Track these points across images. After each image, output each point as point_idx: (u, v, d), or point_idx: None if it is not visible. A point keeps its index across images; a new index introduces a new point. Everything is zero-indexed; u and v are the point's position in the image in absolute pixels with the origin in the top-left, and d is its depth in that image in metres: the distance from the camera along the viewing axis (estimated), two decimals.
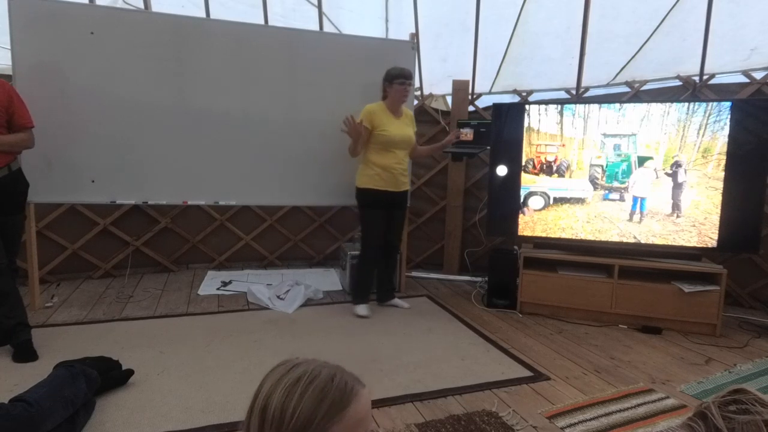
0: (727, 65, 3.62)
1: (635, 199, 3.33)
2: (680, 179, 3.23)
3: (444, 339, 2.98)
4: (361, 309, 3.33)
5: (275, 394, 0.69)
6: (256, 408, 0.70)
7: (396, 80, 3.20)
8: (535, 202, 3.53)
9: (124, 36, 3.20)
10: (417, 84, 4.28)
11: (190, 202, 3.72)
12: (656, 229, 3.29)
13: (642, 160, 3.30)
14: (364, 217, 3.36)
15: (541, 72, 4.35)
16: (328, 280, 4.15)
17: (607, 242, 3.38)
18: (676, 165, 3.22)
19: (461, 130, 3.81)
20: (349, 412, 0.69)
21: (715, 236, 3.17)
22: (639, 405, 2.22)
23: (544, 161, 3.48)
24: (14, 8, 2.98)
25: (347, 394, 0.70)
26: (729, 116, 3.10)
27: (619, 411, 2.17)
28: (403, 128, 3.32)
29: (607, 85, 4.17)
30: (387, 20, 4.60)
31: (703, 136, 3.17)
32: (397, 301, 3.58)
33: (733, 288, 3.62)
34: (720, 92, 3.60)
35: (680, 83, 3.76)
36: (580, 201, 3.44)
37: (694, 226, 3.21)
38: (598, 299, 3.29)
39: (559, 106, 3.44)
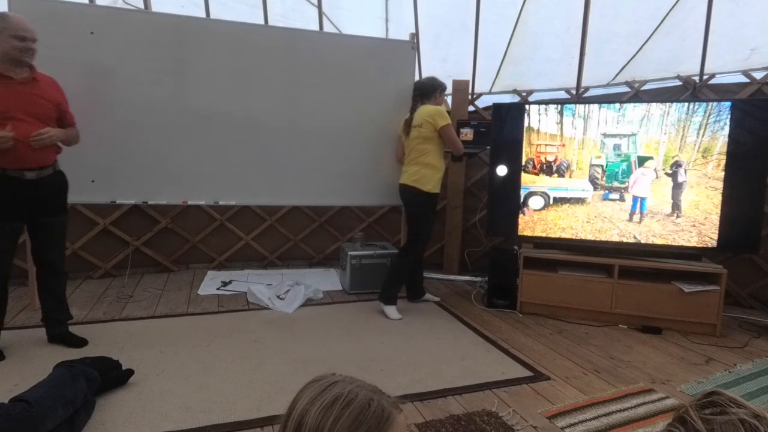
0: (727, 65, 3.62)
1: (635, 199, 3.33)
2: (680, 179, 3.23)
3: (444, 339, 2.98)
4: (395, 312, 3.33)
5: (310, 413, 0.67)
6: (291, 424, 0.69)
7: (444, 91, 3.45)
8: (535, 202, 3.53)
9: (124, 36, 3.20)
10: None
11: (190, 202, 3.72)
12: (656, 229, 3.28)
13: (642, 160, 3.30)
14: (428, 221, 3.39)
15: (541, 72, 4.35)
16: (328, 280, 4.15)
17: (607, 242, 3.39)
18: (676, 165, 3.22)
19: (461, 129, 3.81)
20: None
21: (715, 236, 3.17)
22: (639, 405, 2.22)
23: (544, 161, 3.48)
24: (14, 8, 2.97)
25: (383, 421, 0.68)
26: (729, 116, 3.10)
27: (619, 411, 2.17)
28: None
29: (607, 85, 4.17)
30: (387, 20, 4.60)
31: (703, 136, 3.17)
32: (428, 296, 3.71)
33: (733, 288, 3.62)
34: (720, 92, 3.60)
35: (680, 83, 3.76)
36: (580, 201, 3.44)
37: (694, 226, 3.21)
38: (598, 299, 3.29)
39: (559, 106, 3.44)
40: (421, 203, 3.34)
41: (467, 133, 3.82)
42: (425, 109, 3.29)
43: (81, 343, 2.72)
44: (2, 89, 2.34)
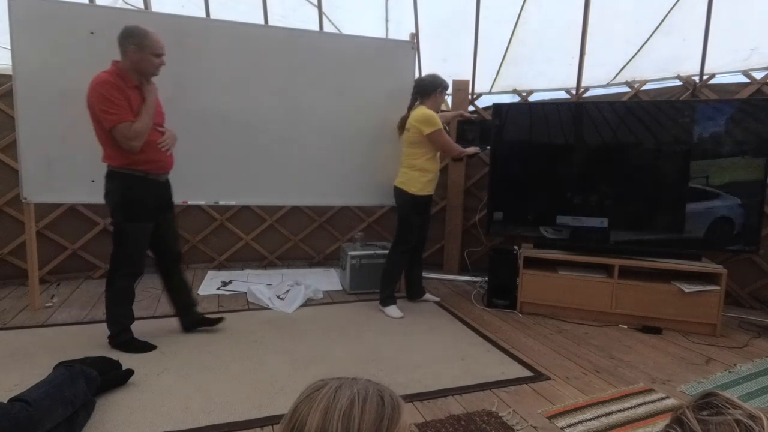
0: (727, 65, 3.62)
1: None
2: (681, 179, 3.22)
3: (444, 339, 2.98)
4: (395, 311, 3.36)
5: (332, 425, 0.66)
6: None
7: (445, 90, 3.39)
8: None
9: None
10: None
11: (190, 202, 3.72)
12: (656, 229, 3.28)
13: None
14: (411, 222, 3.38)
15: (541, 72, 4.35)
16: (328, 280, 4.15)
17: (607, 242, 3.38)
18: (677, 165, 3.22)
19: (466, 128, 3.80)
20: (401, 424, 0.70)
21: (716, 236, 3.17)
22: (639, 405, 2.22)
23: None
24: (14, 8, 2.98)
25: (396, 407, 0.71)
26: (729, 116, 3.09)
27: (619, 411, 2.17)
28: None
29: (607, 85, 4.17)
30: (387, 20, 4.60)
31: (703, 136, 3.17)
32: (428, 296, 3.71)
33: (733, 288, 3.62)
34: (720, 92, 3.60)
35: (680, 83, 3.76)
36: None
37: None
38: (598, 299, 3.29)
39: None
40: (406, 205, 3.36)
41: (472, 132, 3.79)
42: (415, 114, 3.27)
43: (217, 321, 2.95)
44: (140, 100, 2.54)
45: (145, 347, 2.67)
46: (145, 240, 2.68)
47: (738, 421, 0.63)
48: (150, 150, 2.56)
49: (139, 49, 2.46)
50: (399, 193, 3.37)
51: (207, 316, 2.99)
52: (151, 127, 2.55)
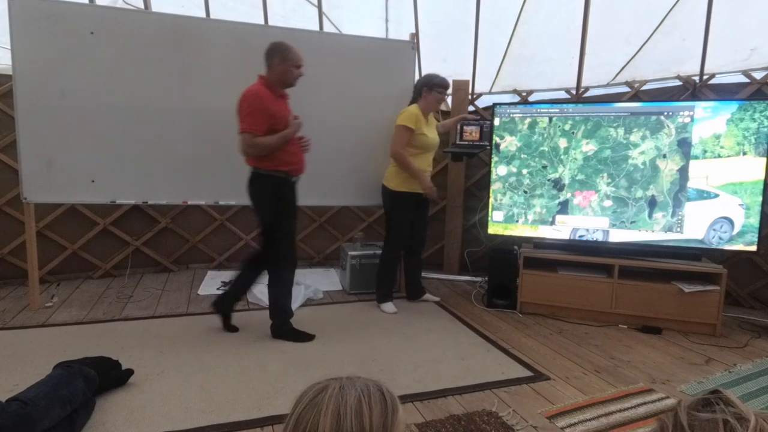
0: (727, 65, 3.62)
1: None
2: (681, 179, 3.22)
3: (444, 339, 2.98)
4: (390, 306, 3.41)
5: (346, 424, 0.68)
6: None
7: (437, 88, 3.27)
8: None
9: (124, 36, 3.20)
10: None
11: (190, 202, 3.72)
12: (656, 229, 3.28)
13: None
14: (394, 220, 3.42)
15: (541, 72, 4.35)
16: (328, 280, 4.15)
17: (607, 242, 3.39)
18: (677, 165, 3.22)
19: (466, 128, 3.80)
20: (400, 416, 0.74)
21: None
22: (639, 405, 2.22)
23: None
24: (14, 8, 2.98)
25: (395, 400, 0.75)
26: (728, 116, 3.09)
27: (619, 411, 2.17)
28: (435, 132, 3.41)
29: (607, 85, 4.17)
30: (387, 20, 4.60)
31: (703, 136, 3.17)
32: (428, 296, 3.72)
33: (733, 288, 3.62)
34: (720, 92, 3.60)
35: (680, 83, 3.76)
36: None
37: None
38: (598, 299, 3.29)
39: None
40: (387, 200, 3.42)
41: (473, 132, 3.79)
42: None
43: (232, 329, 2.97)
44: (286, 108, 2.78)
45: (305, 336, 2.86)
46: (294, 233, 2.91)
47: (725, 421, 0.63)
48: (291, 153, 2.76)
49: (282, 62, 2.68)
50: (382, 189, 3.45)
51: (231, 323, 3.02)
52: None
